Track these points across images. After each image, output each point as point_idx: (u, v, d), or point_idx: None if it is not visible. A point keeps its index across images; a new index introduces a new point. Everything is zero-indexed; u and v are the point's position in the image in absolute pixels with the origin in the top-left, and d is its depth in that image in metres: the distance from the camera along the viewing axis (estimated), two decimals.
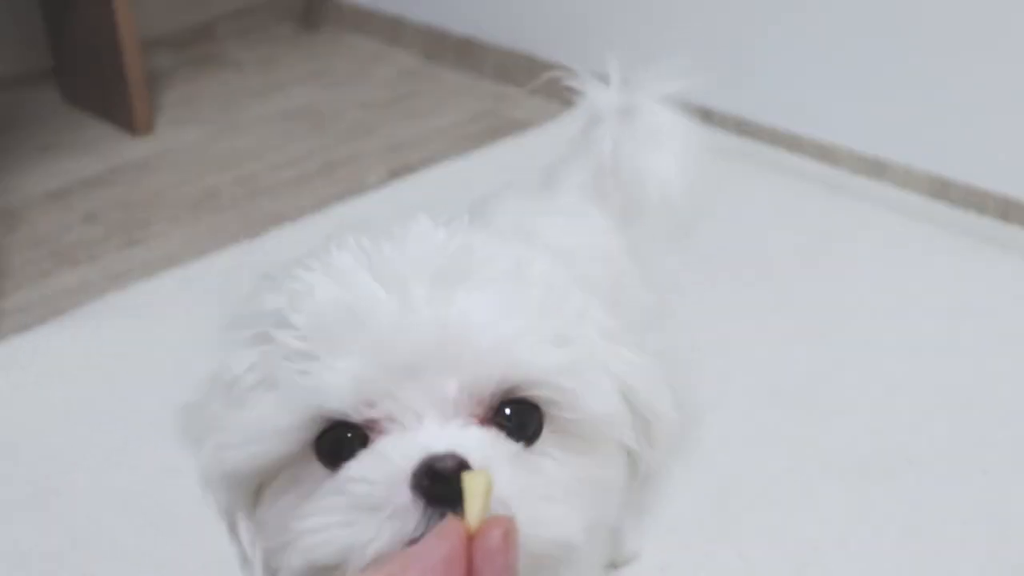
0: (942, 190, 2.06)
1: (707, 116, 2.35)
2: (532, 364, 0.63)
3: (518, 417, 0.64)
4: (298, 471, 0.67)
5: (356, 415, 0.63)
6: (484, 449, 0.61)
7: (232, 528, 0.76)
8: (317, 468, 0.66)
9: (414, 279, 0.65)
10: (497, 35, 2.65)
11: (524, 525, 0.57)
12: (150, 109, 2.51)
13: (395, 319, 0.63)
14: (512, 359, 0.62)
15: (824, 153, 2.20)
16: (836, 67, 2.17)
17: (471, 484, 0.57)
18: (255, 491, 0.71)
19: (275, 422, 0.66)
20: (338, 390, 0.63)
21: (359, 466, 0.63)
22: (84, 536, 1.44)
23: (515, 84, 2.46)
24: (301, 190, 2.28)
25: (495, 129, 2.40)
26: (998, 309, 1.79)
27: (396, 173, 2.31)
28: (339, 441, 0.64)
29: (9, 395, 1.69)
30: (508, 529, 0.54)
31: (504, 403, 0.64)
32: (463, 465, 0.60)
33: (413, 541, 0.59)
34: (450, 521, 0.55)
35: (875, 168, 2.14)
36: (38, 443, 1.60)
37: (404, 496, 0.60)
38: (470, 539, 0.54)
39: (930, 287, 1.85)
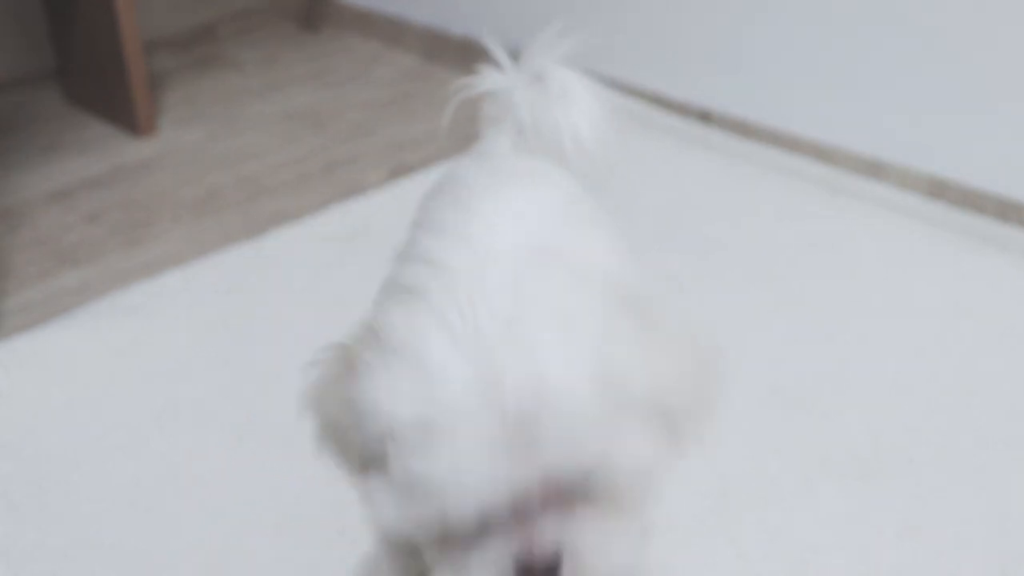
0: (940, 191, 2.07)
1: (706, 117, 2.36)
2: (604, 461, 0.75)
3: (581, 493, 0.76)
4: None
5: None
6: (563, 532, 0.75)
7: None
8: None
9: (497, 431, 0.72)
10: (497, 36, 2.65)
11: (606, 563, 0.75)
12: (152, 109, 2.52)
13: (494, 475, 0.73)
14: (584, 461, 0.74)
15: (822, 154, 2.21)
16: (835, 68, 2.17)
17: None
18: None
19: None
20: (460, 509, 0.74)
21: (473, 566, 0.76)
22: (84, 536, 1.44)
23: None
24: (302, 190, 2.28)
25: None
26: (997, 309, 1.80)
27: (396, 173, 2.31)
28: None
29: (10, 394, 1.69)
30: None
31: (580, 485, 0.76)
32: (552, 557, 0.75)
33: None
34: None
35: (873, 169, 2.15)
36: (39, 442, 1.60)
37: None
38: None
39: (929, 287, 1.86)
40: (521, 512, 0.74)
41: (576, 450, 0.73)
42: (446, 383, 0.72)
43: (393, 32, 2.92)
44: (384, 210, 2.15)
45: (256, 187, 2.30)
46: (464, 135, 2.43)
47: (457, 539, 0.76)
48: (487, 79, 1.33)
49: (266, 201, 2.25)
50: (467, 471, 0.72)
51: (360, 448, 0.78)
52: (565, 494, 0.75)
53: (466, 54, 2.73)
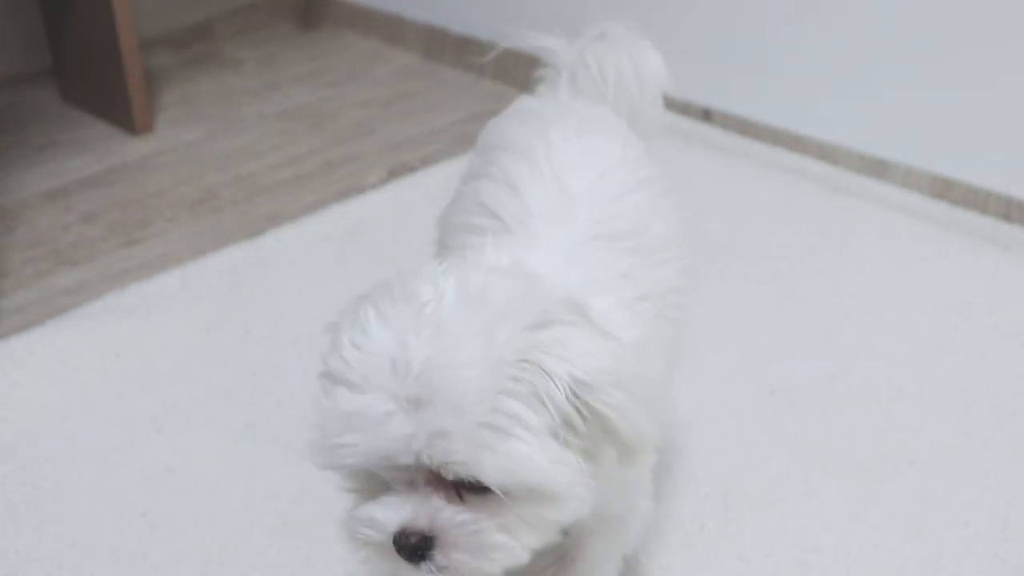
0: (944, 190, 2.06)
1: (708, 116, 2.35)
2: (469, 471, 0.86)
3: (474, 486, 0.88)
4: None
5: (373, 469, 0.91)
6: (432, 516, 0.89)
7: None
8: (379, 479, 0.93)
9: (376, 409, 0.86)
10: (497, 34, 2.65)
11: (478, 557, 0.89)
12: (149, 108, 2.51)
13: (368, 440, 0.87)
14: (455, 469, 0.87)
15: (826, 153, 2.20)
16: (838, 67, 2.16)
17: None
18: None
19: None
20: (353, 459, 0.90)
21: (361, 518, 0.93)
22: (83, 536, 1.43)
23: (514, 83, 2.46)
24: (300, 190, 2.27)
25: None
26: (1000, 309, 1.79)
27: (395, 173, 2.30)
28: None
29: (7, 395, 1.68)
30: None
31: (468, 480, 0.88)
32: (422, 539, 0.89)
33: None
34: None
35: (877, 168, 2.14)
36: (36, 443, 1.59)
37: (390, 548, 0.91)
38: None
39: (932, 287, 1.85)
40: (412, 486, 0.89)
41: (461, 432, 0.85)
42: (368, 345, 0.88)
43: (392, 30, 2.91)
44: (383, 210, 2.14)
45: (254, 187, 2.29)
46: (464, 134, 2.43)
47: (367, 490, 0.93)
48: (547, 39, 1.43)
49: (264, 201, 2.24)
50: (360, 418, 0.86)
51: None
52: (456, 485, 0.89)
53: (466, 52, 2.72)
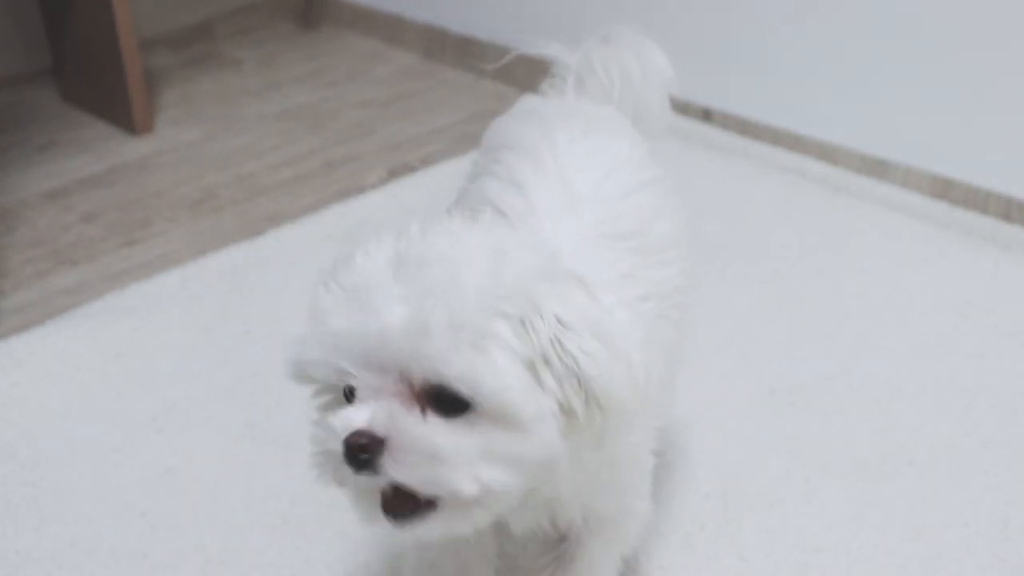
0: (944, 190, 2.06)
1: (707, 116, 2.35)
2: (439, 372, 0.87)
3: (445, 399, 0.88)
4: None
5: (336, 382, 0.92)
6: (388, 419, 0.88)
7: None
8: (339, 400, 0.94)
9: (369, 295, 0.89)
10: (496, 34, 2.65)
11: (427, 470, 0.87)
12: (149, 108, 2.51)
13: (350, 326, 0.89)
14: (421, 365, 0.87)
15: (826, 153, 2.20)
16: (838, 67, 2.16)
17: None
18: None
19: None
20: (316, 366, 0.92)
21: (319, 426, 0.92)
22: (83, 536, 1.43)
23: (515, 83, 2.46)
24: (300, 190, 2.27)
25: None
26: (1000, 309, 1.79)
27: (395, 173, 2.30)
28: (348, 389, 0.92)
29: (8, 395, 1.68)
30: None
31: (437, 391, 0.88)
32: (374, 442, 0.88)
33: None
34: None
35: (877, 168, 2.14)
36: (36, 443, 1.59)
37: (338, 453, 0.89)
38: None
39: (932, 287, 1.85)
40: (378, 395, 0.89)
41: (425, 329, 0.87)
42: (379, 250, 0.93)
43: (392, 30, 2.91)
44: (383, 210, 2.14)
45: (254, 187, 2.29)
46: (464, 134, 2.43)
47: (334, 400, 0.94)
48: (552, 47, 1.42)
49: (264, 201, 2.24)
50: (355, 300, 0.89)
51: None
52: (420, 392, 0.88)
53: (466, 52, 2.72)
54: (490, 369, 0.87)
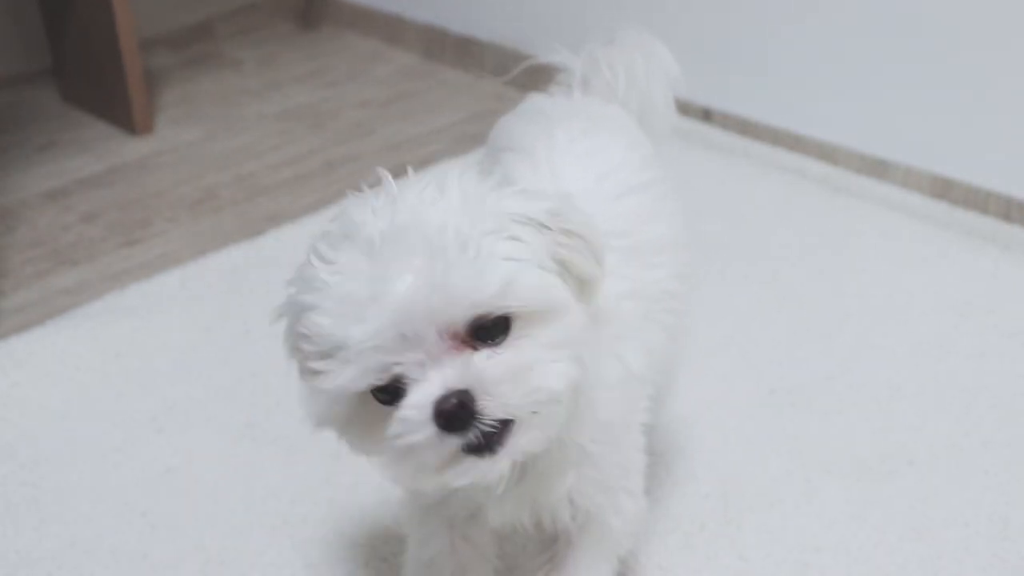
0: (944, 190, 2.06)
1: (707, 116, 2.35)
2: (474, 302, 0.87)
3: (488, 330, 0.89)
4: (363, 406, 0.91)
5: (381, 382, 0.88)
6: (457, 374, 0.87)
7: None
8: (376, 405, 0.90)
9: (368, 285, 0.88)
10: (496, 34, 2.65)
11: (522, 384, 0.87)
12: (149, 108, 2.51)
13: (369, 325, 0.87)
14: (459, 304, 0.87)
15: (826, 153, 2.20)
16: (838, 67, 2.16)
17: None
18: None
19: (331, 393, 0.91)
20: (354, 381, 0.88)
21: (394, 426, 0.88)
22: (83, 536, 1.43)
23: (515, 83, 2.46)
24: (300, 190, 2.27)
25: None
26: (1000, 309, 1.79)
27: (396, 173, 2.30)
28: (383, 389, 0.89)
29: (8, 395, 1.68)
30: None
31: (477, 327, 0.88)
32: (462, 395, 0.86)
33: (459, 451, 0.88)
34: None
35: (877, 168, 2.14)
36: (35, 444, 1.59)
37: (431, 432, 0.87)
38: None
39: (931, 287, 1.85)
40: (427, 366, 0.87)
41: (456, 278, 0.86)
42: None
43: (392, 30, 2.91)
44: None
45: (254, 187, 2.29)
46: (464, 134, 2.43)
47: (384, 405, 0.90)
48: (555, 50, 1.42)
49: (264, 201, 2.24)
50: (370, 299, 0.86)
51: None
52: (465, 337, 0.88)
53: (466, 52, 2.72)
54: (514, 273, 0.88)
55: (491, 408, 0.87)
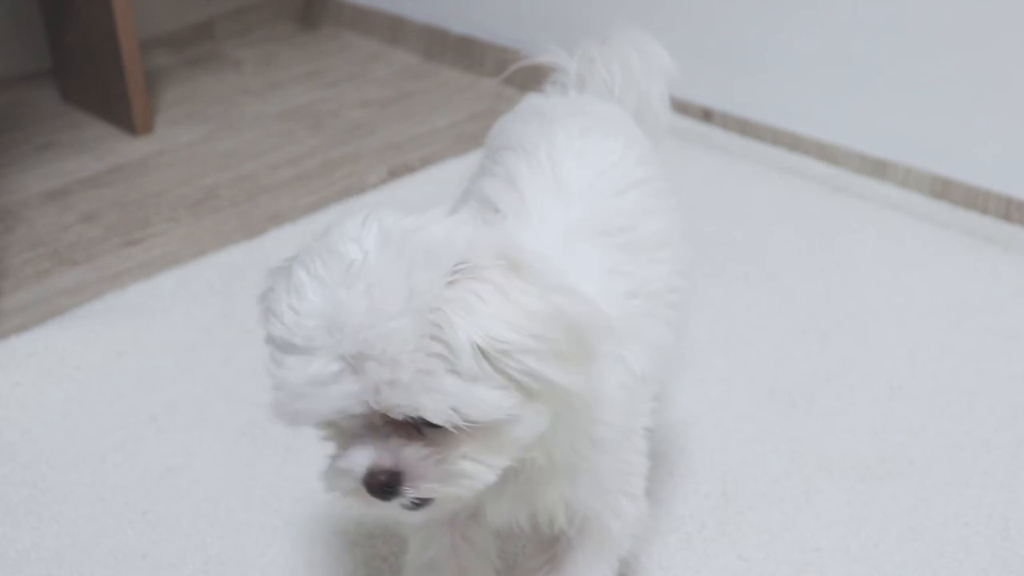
0: (944, 190, 2.06)
1: (707, 116, 2.35)
2: (412, 410, 0.89)
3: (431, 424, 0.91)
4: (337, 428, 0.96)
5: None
6: (394, 455, 0.93)
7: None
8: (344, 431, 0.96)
9: (336, 355, 0.89)
10: (496, 34, 2.65)
11: (450, 483, 0.93)
12: (149, 108, 2.51)
13: (330, 387, 0.90)
14: (395, 412, 0.90)
15: (825, 153, 2.20)
16: (837, 67, 2.16)
17: None
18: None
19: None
20: (312, 418, 0.93)
21: (332, 472, 0.96)
22: (83, 536, 1.43)
23: (515, 83, 2.46)
24: (300, 190, 2.27)
25: None
26: (999, 309, 1.79)
27: (396, 173, 2.30)
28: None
29: (8, 395, 1.68)
30: None
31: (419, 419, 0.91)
32: (391, 476, 0.93)
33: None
34: None
35: (877, 168, 2.14)
36: (36, 443, 1.59)
37: (359, 488, 0.94)
38: None
39: (931, 287, 1.85)
40: (374, 430, 0.93)
41: (399, 376, 0.88)
42: (304, 307, 0.90)
43: (392, 30, 2.91)
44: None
45: (254, 187, 2.29)
46: (464, 134, 2.43)
47: (338, 437, 0.96)
48: (550, 50, 1.43)
49: (264, 201, 2.24)
50: (310, 383, 0.90)
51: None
52: (413, 425, 0.92)
53: (466, 52, 2.72)
54: (456, 392, 0.89)
55: (416, 492, 0.94)
